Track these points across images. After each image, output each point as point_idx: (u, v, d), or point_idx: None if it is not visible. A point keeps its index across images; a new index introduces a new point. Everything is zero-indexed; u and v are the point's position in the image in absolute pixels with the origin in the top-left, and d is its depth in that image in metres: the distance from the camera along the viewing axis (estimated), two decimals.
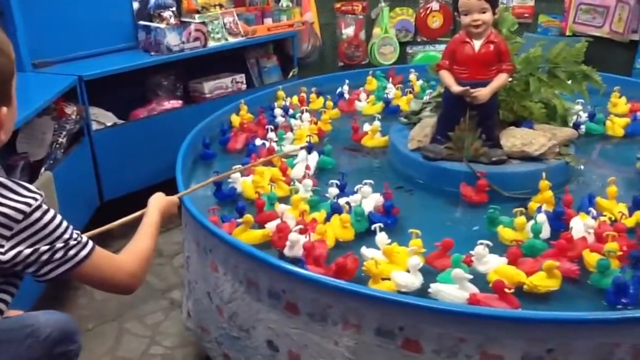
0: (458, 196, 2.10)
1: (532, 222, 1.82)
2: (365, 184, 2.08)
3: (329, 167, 2.43)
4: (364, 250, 1.76)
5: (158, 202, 1.65)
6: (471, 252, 1.68)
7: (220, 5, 3.75)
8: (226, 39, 3.64)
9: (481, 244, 1.67)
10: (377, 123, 2.67)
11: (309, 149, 2.46)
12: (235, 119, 2.89)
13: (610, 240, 1.66)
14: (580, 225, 1.81)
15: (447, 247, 1.71)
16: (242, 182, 2.22)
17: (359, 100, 3.12)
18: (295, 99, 3.15)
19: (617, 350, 1.38)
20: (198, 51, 3.43)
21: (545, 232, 1.83)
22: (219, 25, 3.61)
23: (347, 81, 3.34)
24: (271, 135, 2.65)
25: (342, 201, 2.01)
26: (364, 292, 1.51)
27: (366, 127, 2.71)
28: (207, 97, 3.58)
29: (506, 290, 1.51)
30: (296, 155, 2.42)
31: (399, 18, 4.63)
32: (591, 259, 1.65)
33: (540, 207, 1.90)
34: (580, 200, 1.99)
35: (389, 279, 1.64)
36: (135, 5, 3.47)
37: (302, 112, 2.89)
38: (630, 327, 1.38)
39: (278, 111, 2.98)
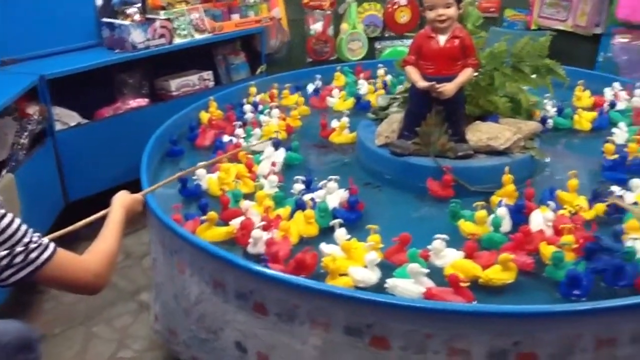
0: (426, 191, 2.11)
1: (492, 215, 1.84)
2: (331, 179, 2.08)
3: (296, 163, 2.42)
4: (323, 246, 1.77)
5: (122, 200, 1.62)
6: (428, 246, 1.69)
7: (187, 2, 3.70)
8: (193, 36, 3.59)
9: (438, 238, 1.68)
10: (345, 119, 2.66)
11: (276, 144, 2.44)
12: (205, 116, 2.85)
13: (566, 233, 1.69)
14: (539, 219, 1.83)
15: (404, 242, 1.72)
16: (207, 179, 2.20)
17: (331, 97, 3.11)
18: (265, 95, 3.13)
19: (580, 340, 1.40)
20: (164, 48, 3.38)
21: (506, 225, 1.85)
22: (185, 21, 3.57)
23: (319, 76, 3.32)
24: (239, 131, 2.64)
25: (307, 197, 2.01)
26: (332, 291, 1.51)
27: (334, 123, 2.70)
28: (174, 94, 3.53)
29: (461, 284, 1.53)
30: (262, 151, 2.40)
31: (366, 13, 4.63)
32: (547, 251, 1.68)
33: (501, 201, 1.92)
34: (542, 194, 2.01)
35: (347, 275, 1.64)
36: (99, 1, 3.40)
37: (271, 109, 2.87)
38: (592, 318, 1.40)
39: (247, 107, 2.96)
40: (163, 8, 3.51)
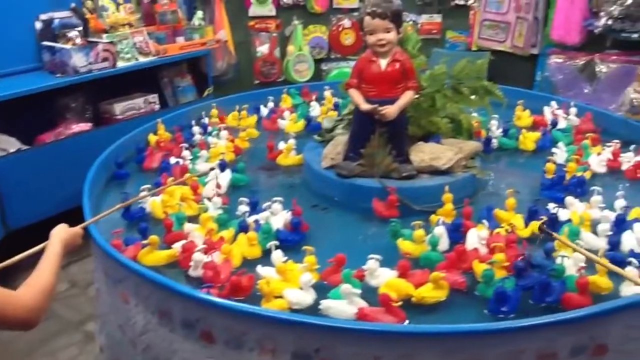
0: (372, 212, 2.14)
1: (430, 234, 1.88)
2: (275, 201, 2.09)
3: (242, 185, 2.42)
4: (259, 269, 1.77)
5: (60, 234, 1.59)
6: (363, 267, 1.72)
7: (130, 25, 3.67)
8: (137, 59, 3.57)
9: (372, 258, 1.71)
10: (291, 141, 2.68)
11: (222, 166, 2.44)
12: (153, 138, 2.82)
13: (497, 252, 1.73)
14: (474, 237, 1.87)
15: (340, 262, 1.74)
16: (150, 202, 2.17)
17: (282, 119, 3.12)
18: (214, 116, 3.11)
19: (522, 356, 1.44)
20: (107, 72, 3.35)
21: (444, 244, 1.89)
22: (128, 44, 3.54)
23: (271, 98, 3.34)
24: (186, 153, 2.62)
25: (251, 219, 2.01)
26: (279, 317, 1.51)
27: (281, 145, 2.71)
28: (118, 118, 3.49)
29: (392, 303, 1.55)
30: (206, 175, 2.39)
31: (312, 35, 4.69)
32: (479, 269, 1.72)
33: (439, 220, 1.96)
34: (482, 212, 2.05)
35: (282, 297, 1.65)
36: (38, 24, 3.34)
37: (219, 130, 2.87)
38: (534, 333, 1.44)
39: (196, 129, 2.94)
40: (105, 31, 3.47)
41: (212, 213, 2.08)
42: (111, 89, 3.53)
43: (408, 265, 1.72)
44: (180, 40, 3.89)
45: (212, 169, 2.40)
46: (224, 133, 2.83)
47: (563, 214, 2.01)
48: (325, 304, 1.61)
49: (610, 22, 3.78)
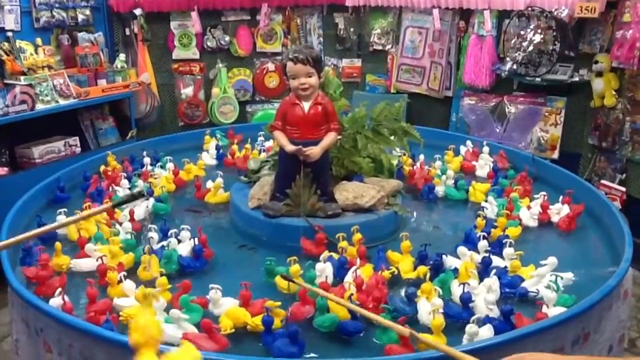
0: (299, 250, 2.17)
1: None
2: (183, 229, 2.18)
3: (162, 214, 2.51)
4: (116, 300, 1.83)
5: None
6: (207, 296, 1.80)
7: (49, 67, 3.61)
8: (57, 101, 3.50)
9: (213, 288, 1.79)
10: (219, 180, 2.70)
11: (150, 193, 2.55)
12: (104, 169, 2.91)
13: (358, 291, 1.82)
14: (349, 276, 1.93)
15: (185, 289, 1.81)
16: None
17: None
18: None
19: None
20: (25, 115, 3.26)
21: (328, 279, 1.95)
22: (48, 87, 3.47)
23: (218, 135, 3.40)
24: (124, 182, 2.71)
25: (158, 245, 2.12)
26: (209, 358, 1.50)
27: (209, 184, 2.73)
28: (37, 162, 3.40)
29: (221, 330, 1.65)
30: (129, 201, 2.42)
31: (236, 78, 4.76)
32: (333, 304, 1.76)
33: (330, 257, 2.03)
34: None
35: None
36: None
37: (168, 161, 2.96)
38: None
39: (147, 160, 3.02)
40: (24, 73, 3.40)
41: (121, 237, 2.19)
42: (29, 133, 3.43)
43: (249, 295, 1.79)
44: (102, 82, 3.86)
45: (133, 195, 2.42)
46: (170, 165, 2.92)
47: (452, 262, 2.03)
48: None
49: (515, 67, 4.08)
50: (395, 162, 2.76)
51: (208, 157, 3.19)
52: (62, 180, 2.70)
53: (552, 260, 1.93)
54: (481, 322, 1.66)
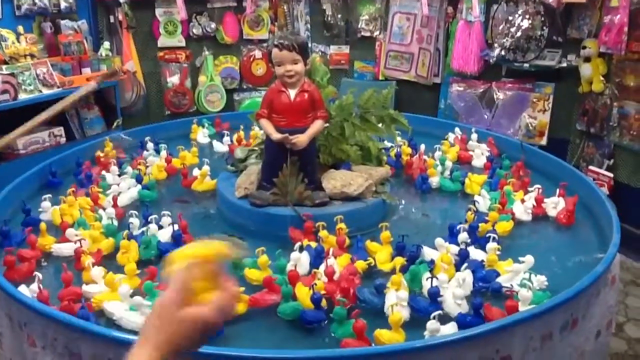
0: (287, 239, 2.16)
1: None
2: (164, 215, 2.19)
3: (148, 201, 2.51)
4: (85, 287, 1.84)
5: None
6: None
7: (32, 56, 3.56)
8: (40, 91, 3.45)
9: None
10: (206, 167, 2.67)
11: (139, 179, 2.57)
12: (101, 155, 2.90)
13: (328, 282, 1.79)
14: (323, 265, 1.90)
15: (152, 275, 1.81)
16: (51, 211, 2.26)
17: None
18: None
19: None
20: (8, 104, 3.21)
21: (304, 268, 1.94)
22: (30, 76, 3.42)
23: (206, 124, 3.37)
24: (113, 169, 2.70)
25: (138, 231, 2.13)
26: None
27: (195, 171, 2.70)
28: (21, 153, 3.35)
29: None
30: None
31: (223, 66, 4.72)
32: (301, 292, 1.76)
33: (308, 246, 2.01)
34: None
35: None
36: None
37: (163, 149, 2.96)
38: (440, 351, 1.51)
39: (150, 145, 3.01)
40: (5, 62, 3.35)
41: (104, 222, 2.19)
42: (12, 123, 3.37)
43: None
44: (87, 71, 3.80)
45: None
46: (164, 153, 2.90)
47: (431, 254, 2.00)
48: (117, 314, 1.70)
49: (503, 52, 4.06)
50: (381, 147, 2.72)
51: (201, 137, 3.23)
52: (53, 166, 2.68)
53: (529, 258, 1.88)
54: (443, 318, 1.64)
